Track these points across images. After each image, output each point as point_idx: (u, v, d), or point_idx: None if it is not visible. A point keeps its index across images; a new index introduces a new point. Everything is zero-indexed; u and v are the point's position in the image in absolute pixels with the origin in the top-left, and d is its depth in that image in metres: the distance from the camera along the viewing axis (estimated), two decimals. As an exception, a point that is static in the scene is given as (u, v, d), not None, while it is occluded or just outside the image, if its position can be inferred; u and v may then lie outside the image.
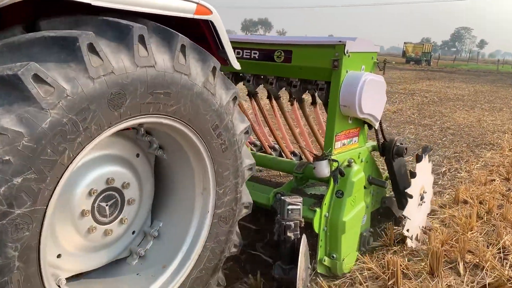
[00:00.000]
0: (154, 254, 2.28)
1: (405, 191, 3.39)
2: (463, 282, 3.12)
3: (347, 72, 2.89)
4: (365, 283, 3.01)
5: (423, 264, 3.27)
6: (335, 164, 2.89)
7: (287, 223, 2.64)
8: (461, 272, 3.23)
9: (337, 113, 2.91)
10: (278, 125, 3.81)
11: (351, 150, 3.18)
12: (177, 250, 2.23)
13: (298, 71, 3.06)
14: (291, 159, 3.95)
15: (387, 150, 3.44)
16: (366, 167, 3.37)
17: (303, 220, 2.71)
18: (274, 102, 3.52)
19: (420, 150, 3.70)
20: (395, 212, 3.73)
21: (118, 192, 2.04)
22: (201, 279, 2.29)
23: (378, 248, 3.53)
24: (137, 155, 2.13)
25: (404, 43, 47.25)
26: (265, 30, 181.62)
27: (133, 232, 2.26)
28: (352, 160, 3.04)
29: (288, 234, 2.65)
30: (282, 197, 2.69)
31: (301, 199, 2.71)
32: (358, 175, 3.05)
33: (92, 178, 1.92)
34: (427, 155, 3.70)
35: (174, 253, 2.23)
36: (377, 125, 3.21)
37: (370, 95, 2.91)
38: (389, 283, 2.97)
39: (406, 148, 3.46)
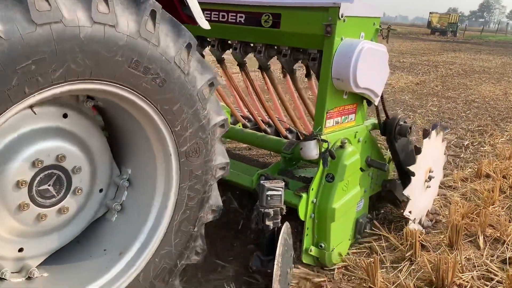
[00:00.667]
0: (132, 204, 2.07)
1: (408, 168, 3.04)
2: (482, 255, 3.07)
3: (342, 39, 2.52)
4: (382, 253, 2.97)
5: (442, 236, 3.25)
6: (325, 145, 2.56)
7: (266, 210, 2.35)
8: (481, 245, 3.19)
9: (329, 87, 2.55)
10: (272, 99, 3.47)
11: (346, 129, 2.83)
12: (152, 198, 2.00)
13: (288, 38, 2.70)
14: (285, 136, 3.63)
15: (389, 129, 3.08)
16: (364, 148, 3.03)
17: (284, 208, 2.41)
18: (265, 73, 3.18)
19: (431, 126, 3.33)
20: (398, 196, 3.39)
21: (58, 169, 1.79)
22: (187, 219, 2.08)
23: (396, 220, 3.45)
24: (65, 116, 1.81)
25: (430, 13, 45.32)
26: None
27: (101, 190, 2.01)
28: (346, 141, 2.70)
29: (267, 222, 2.37)
30: (261, 182, 2.39)
31: (283, 183, 2.40)
32: (352, 157, 2.72)
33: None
34: (438, 132, 3.32)
35: (151, 200, 2.01)
36: (377, 101, 2.84)
37: (368, 66, 2.53)
38: (406, 254, 2.95)
39: (410, 127, 3.10)
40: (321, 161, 2.58)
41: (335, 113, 2.68)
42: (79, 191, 1.88)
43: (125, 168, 2.06)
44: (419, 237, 3.02)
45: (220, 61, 3.26)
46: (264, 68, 3.02)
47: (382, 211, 3.56)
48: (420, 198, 3.26)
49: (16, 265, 1.85)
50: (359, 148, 2.97)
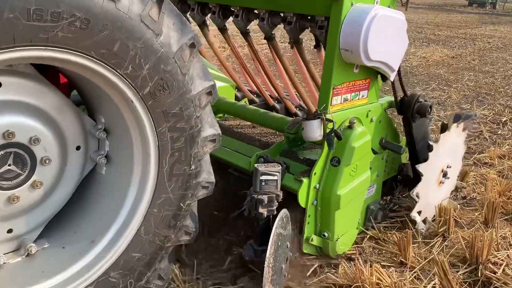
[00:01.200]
0: (116, 155, 1.89)
1: (416, 167, 2.75)
2: (519, 234, 2.94)
3: (352, 5, 2.20)
4: (412, 229, 2.85)
5: (477, 213, 3.17)
6: (330, 125, 2.29)
7: (259, 197, 2.12)
8: (518, 224, 3.06)
9: (336, 60, 2.25)
10: (279, 72, 3.18)
11: (357, 107, 2.53)
12: (131, 148, 1.79)
13: (293, 3, 2.39)
14: (295, 114, 3.36)
15: (406, 107, 2.76)
16: (378, 128, 2.74)
17: (281, 194, 2.17)
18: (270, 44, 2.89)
19: (451, 117, 2.98)
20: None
21: (12, 146, 1.62)
22: (179, 161, 1.85)
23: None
24: None
25: (469, -17, 43.03)
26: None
27: (78, 148, 1.82)
28: (355, 121, 2.41)
29: (260, 210, 2.14)
30: (256, 165, 2.15)
31: (280, 167, 2.16)
32: (361, 138, 2.43)
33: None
34: (459, 124, 2.98)
35: (130, 150, 1.81)
36: (393, 76, 2.52)
37: (382, 36, 2.22)
38: (439, 230, 2.88)
39: (430, 106, 2.77)
40: (326, 143, 2.31)
41: (343, 89, 2.39)
42: (47, 161, 1.70)
43: (99, 117, 1.85)
44: (453, 213, 2.95)
45: (223, 30, 2.98)
46: (268, 38, 2.73)
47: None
48: (432, 196, 2.95)
49: (11, 245, 1.78)
50: (372, 128, 2.67)
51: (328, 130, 2.29)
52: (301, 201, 2.34)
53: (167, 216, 1.87)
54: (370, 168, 2.71)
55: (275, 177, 2.12)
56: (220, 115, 3.22)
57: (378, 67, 2.38)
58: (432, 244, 2.78)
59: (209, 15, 2.93)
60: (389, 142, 2.82)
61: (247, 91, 3.63)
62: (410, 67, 8.65)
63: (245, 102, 3.45)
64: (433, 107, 2.80)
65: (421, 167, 2.75)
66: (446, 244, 2.80)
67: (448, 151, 2.97)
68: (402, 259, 2.61)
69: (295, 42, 2.62)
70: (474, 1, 38.83)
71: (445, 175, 3.02)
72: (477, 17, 23.80)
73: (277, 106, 3.54)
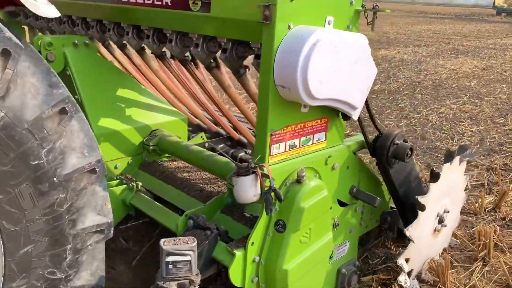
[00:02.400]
0: None
1: (417, 198, 2.20)
2: None
3: (289, 28, 1.68)
4: (449, 252, 2.78)
5: None
6: (267, 182, 1.76)
7: (165, 285, 1.60)
8: None
9: (271, 99, 1.73)
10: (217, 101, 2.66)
11: (311, 154, 2.00)
12: None
13: (222, 27, 1.89)
14: (239, 141, 2.93)
15: (380, 150, 2.22)
16: (346, 176, 2.20)
17: (197, 278, 1.65)
18: (201, 71, 2.43)
19: (447, 153, 2.42)
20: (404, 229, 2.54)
21: None
22: None
23: (465, 214, 3.26)
24: None
25: (494, -8, 41.88)
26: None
27: None
28: (304, 173, 1.88)
29: (169, 301, 1.62)
30: (161, 243, 1.63)
31: (195, 243, 1.63)
32: (315, 195, 1.90)
33: None
34: (462, 159, 2.42)
35: None
36: (357, 114, 1.99)
37: (330, 67, 1.69)
38: (479, 255, 2.77)
39: (411, 149, 2.22)
40: (263, 205, 1.79)
41: (287, 134, 1.86)
42: None
43: None
44: (493, 236, 2.83)
45: (161, 57, 2.51)
46: (207, 68, 2.23)
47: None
48: (426, 245, 2.39)
49: None
50: (335, 177, 2.14)
51: (266, 189, 1.77)
52: (235, 279, 1.81)
53: None
54: (337, 226, 2.18)
55: (188, 258, 1.60)
56: (168, 155, 2.75)
57: (332, 106, 1.85)
58: (472, 269, 2.69)
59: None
60: (361, 191, 2.27)
61: (210, 122, 3.15)
62: (439, 80, 8.40)
63: (201, 137, 2.96)
64: (414, 149, 2.22)
65: (410, 230, 2.20)
66: (487, 269, 2.70)
67: (448, 190, 2.42)
68: (441, 286, 2.47)
69: (236, 74, 2.10)
70: (502, 10, 37.65)
71: (441, 221, 2.46)
72: (506, 26, 22.96)
73: (244, 140, 3.05)
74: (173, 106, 2.91)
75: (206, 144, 2.82)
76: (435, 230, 2.46)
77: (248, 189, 1.74)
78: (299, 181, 1.87)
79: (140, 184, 2.40)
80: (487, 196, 3.56)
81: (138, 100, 2.73)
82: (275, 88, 1.71)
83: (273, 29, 1.63)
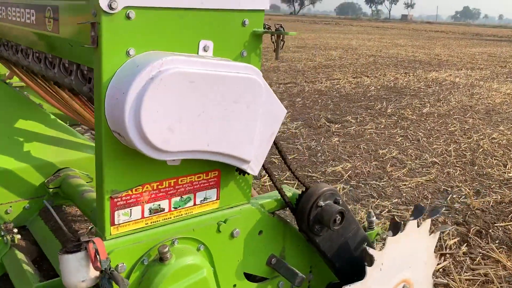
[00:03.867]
0: None
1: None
2: None
3: (129, 55, 1.23)
4: (500, 284, 2.71)
5: None
6: (114, 260, 1.29)
7: None
8: None
9: (108, 148, 1.27)
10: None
11: (193, 219, 1.52)
12: None
13: (70, 50, 1.46)
14: None
15: (299, 214, 1.70)
16: (260, 244, 1.70)
17: None
18: None
19: (391, 222, 1.88)
20: None
21: None
22: None
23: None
24: None
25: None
26: None
27: None
28: (167, 249, 1.39)
29: None
30: None
31: None
32: (184, 279, 1.40)
33: None
34: (421, 222, 1.87)
35: None
36: (254, 169, 1.49)
37: (189, 109, 1.22)
38: None
39: (341, 213, 1.68)
40: (102, 291, 1.32)
41: (146, 194, 1.39)
42: None
43: None
44: None
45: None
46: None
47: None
48: None
49: None
50: (237, 247, 1.63)
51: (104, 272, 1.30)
52: None
53: None
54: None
55: None
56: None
57: (205, 159, 1.37)
58: None
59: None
60: (283, 263, 1.76)
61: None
62: (492, 104, 8.05)
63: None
64: (346, 214, 1.68)
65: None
66: None
67: (406, 260, 1.86)
68: None
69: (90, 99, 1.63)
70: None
71: None
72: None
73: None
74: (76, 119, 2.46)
75: None
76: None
77: (75, 272, 1.28)
78: (162, 259, 1.39)
79: (18, 237, 1.99)
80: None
81: (46, 133, 2.34)
82: (113, 134, 1.26)
83: (100, 56, 1.19)
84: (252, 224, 1.66)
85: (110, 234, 1.33)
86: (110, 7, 1.14)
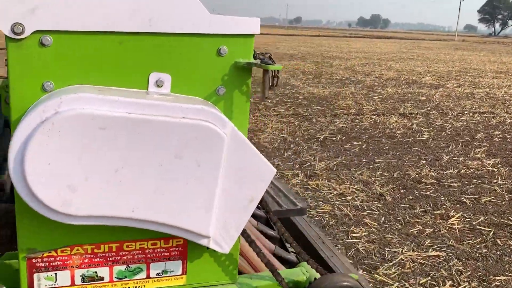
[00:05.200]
0: None
1: None
2: None
3: (44, 89, 0.99)
4: None
5: None
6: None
7: None
8: None
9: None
10: None
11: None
12: None
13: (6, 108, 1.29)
14: None
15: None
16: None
17: None
18: None
19: None
20: None
21: None
22: None
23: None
24: None
25: None
26: None
27: None
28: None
29: None
30: None
31: None
32: None
33: None
34: None
35: None
36: (223, 247, 1.11)
37: (98, 162, 0.93)
38: None
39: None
40: None
41: (77, 258, 1.12)
42: None
43: None
44: None
45: None
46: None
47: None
48: None
49: None
50: None
51: None
52: None
53: None
54: None
55: None
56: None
57: (129, 226, 1.04)
58: None
59: None
60: None
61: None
62: None
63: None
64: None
65: None
66: None
67: None
68: None
69: None
70: None
71: None
72: None
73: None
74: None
75: None
76: None
77: None
78: None
79: None
80: None
81: None
82: (27, 185, 1.03)
83: (10, 90, 0.98)
84: (234, 310, 1.27)
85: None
86: (14, 32, 0.93)
